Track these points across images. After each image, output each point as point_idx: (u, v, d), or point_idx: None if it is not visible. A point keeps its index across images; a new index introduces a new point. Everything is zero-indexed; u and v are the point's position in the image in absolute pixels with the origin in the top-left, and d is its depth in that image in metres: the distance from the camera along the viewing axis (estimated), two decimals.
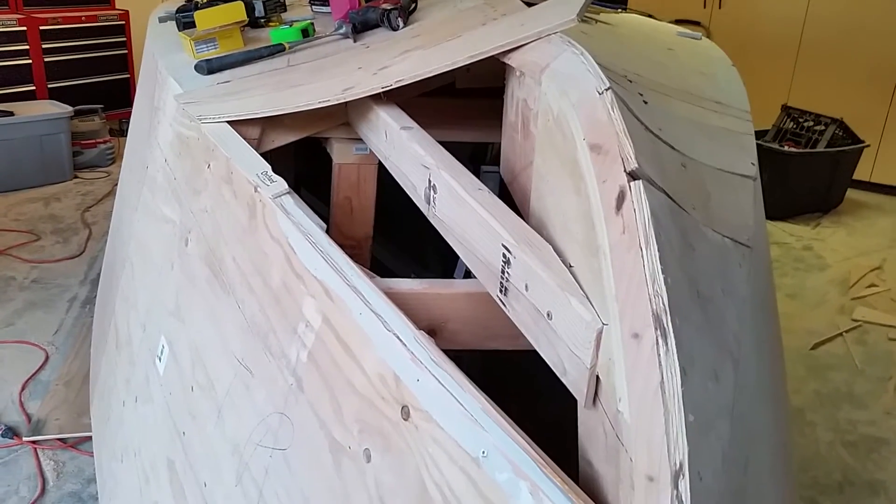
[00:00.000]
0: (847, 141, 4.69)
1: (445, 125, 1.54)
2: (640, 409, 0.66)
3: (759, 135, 4.76)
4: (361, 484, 0.92)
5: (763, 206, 1.60)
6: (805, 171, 4.58)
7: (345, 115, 1.55)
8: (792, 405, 2.86)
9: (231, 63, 1.70)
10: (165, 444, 1.44)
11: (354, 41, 1.74)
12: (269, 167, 1.29)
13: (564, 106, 0.90)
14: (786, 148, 4.69)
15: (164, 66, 1.86)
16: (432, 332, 1.10)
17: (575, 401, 0.82)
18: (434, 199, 1.13)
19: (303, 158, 2.43)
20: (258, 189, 1.25)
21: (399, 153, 1.27)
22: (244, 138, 1.44)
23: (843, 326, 3.44)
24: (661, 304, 0.68)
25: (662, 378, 0.65)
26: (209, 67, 1.69)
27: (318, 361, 1.04)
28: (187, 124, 1.58)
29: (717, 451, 0.71)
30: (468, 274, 1.83)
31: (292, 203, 1.21)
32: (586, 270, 0.79)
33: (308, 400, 1.05)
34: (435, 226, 1.16)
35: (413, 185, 1.21)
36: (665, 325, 0.67)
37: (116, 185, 4.05)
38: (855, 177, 4.88)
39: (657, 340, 0.66)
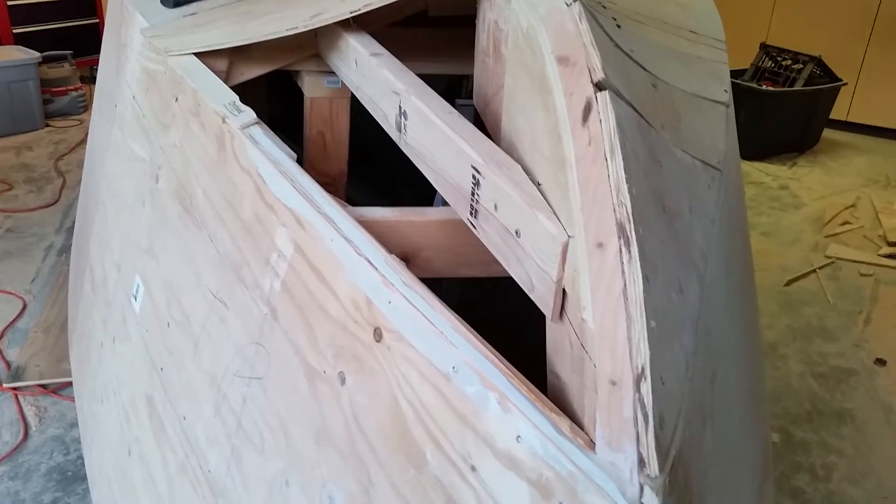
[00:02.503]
0: (825, 79, 4.69)
1: (419, 56, 1.51)
2: (604, 316, 0.67)
3: (738, 74, 4.75)
4: (337, 406, 0.93)
5: (736, 133, 1.61)
6: (782, 110, 4.59)
7: (315, 46, 1.52)
8: (765, 340, 2.93)
9: None
10: (144, 382, 1.44)
11: None
12: (237, 97, 1.27)
13: (533, 20, 0.89)
14: (763, 87, 4.68)
15: (129, 0, 1.81)
16: (406, 259, 1.10)
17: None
18: (405, 125, 1.12)
19: (278, 100, 2.39)
20: (226, 120, 1.23)
21: (369, 81, 1.25)
22: (212, 71, 1.41)
23: (816, 263, 3.50)
24: (625, 213, 0.68)
25: (625, 285, 0.66)
26: (175, 0, 1.65)
27: (292, 290, 1.05)
28: (154, 58, 1.54)
29: (680, 360, 0.72)
30: None
31: (261, 133, 1.19)
32: (554, 186, 0.79)
33: (283, 328, 1.06)
34: (406, 153, 1.15)
35: (384, 113, 1.20)
36: (629, 234, 0.67)
37: None
38: (832, 116, 4.90)
39: (620, 249, 0.67)
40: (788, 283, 3.34)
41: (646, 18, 1.47)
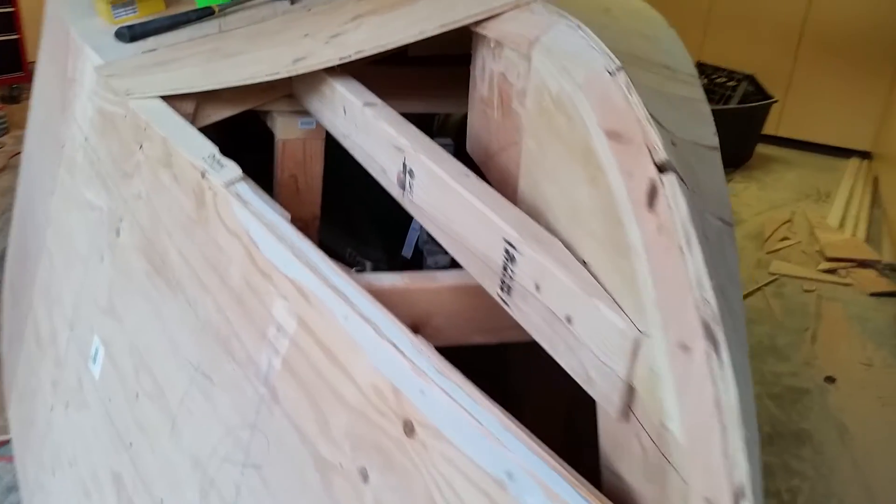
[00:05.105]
0: (758, 96, 4.83)
1: (398, 96, 1.43)
2: (695, 428, 0.61)
3: None
4: None
5: None
6: (719, 128, 4.67)
7: (288, 87, 1.43)
8: None
9: (156, 29, 1.53)
10: (109, 456, 1.31)
11: (292, 3, 1.60)
12: (217, 149, 1.17)
13: (567, 86, 0.83)
14: None
15: (77, 32, 1.67)
16: (415, 328, 1.02)
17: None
18: (410, 184, 1.04)
19: (219, 130, 2.26)
20: (206, 175, 1.13)
21: (363, 132, 1.17)
22: (178, 113, 1.30)
23: (761, 281, 3.57)
24: (711, 312, 0.63)
25: (718, 393, 0.60)
26: (132, 34, 1.52)
27: (296, 370, 0.95)
28: (111, 99, 1.41)
29: (758, 463, 0.67)
30: (419, 252, 1.75)
31: (249, 191, 1.09)
32: (611, 271, 0.73)
33: (285, 412, 0.96)
34: (411, 212, 1.07)
35: (382, 168, 1.12)
36: (716, 336, 0.62)
37: (12, 157, 3.70)
38: (763, 131, 5.05)
39: (709, 352, 0.61)
40: None
41: (623, 56, 1.44)
